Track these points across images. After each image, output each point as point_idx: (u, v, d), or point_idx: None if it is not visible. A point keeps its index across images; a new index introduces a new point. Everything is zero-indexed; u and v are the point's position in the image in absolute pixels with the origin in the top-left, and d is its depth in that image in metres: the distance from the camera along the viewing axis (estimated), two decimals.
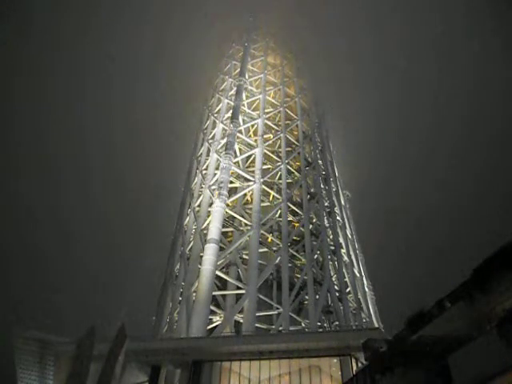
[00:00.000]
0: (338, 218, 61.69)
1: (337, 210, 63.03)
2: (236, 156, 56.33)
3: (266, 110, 65.52)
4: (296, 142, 64.51)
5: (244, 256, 50.09)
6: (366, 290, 59.93)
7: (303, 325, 46.12)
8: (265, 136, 61.67)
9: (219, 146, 59.07)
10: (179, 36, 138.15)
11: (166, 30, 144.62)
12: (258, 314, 42.30)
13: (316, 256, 53.36)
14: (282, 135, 62.17)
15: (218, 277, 44.82)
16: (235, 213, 52.80)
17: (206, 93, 78.27)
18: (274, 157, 60.31)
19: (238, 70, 70.09)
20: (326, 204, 60.87)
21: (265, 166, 57.97)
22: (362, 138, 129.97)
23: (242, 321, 42.12)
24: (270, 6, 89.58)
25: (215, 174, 54.95)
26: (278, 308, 44.75)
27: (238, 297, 44.75)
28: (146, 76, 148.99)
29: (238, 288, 45.01)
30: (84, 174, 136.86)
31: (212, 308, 42.69)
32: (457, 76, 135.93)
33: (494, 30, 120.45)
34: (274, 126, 65.05)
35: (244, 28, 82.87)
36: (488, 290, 13.65)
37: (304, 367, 29.57)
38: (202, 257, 44.04)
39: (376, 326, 51.36)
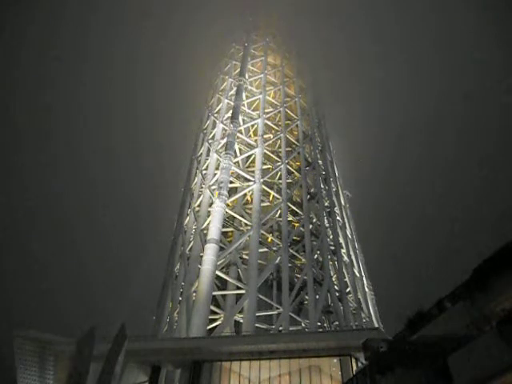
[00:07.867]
0: (338, 217, 61.67)
1: (337, 210, 63.00)
2: (236, 156, 56.32)
3: (266, 110, 65.47)
4: (296, 142, 64.49)
5: (244, 256, 50.11)
6: (366, 290, 59.91)
7: (303, 325, 46.08)
8: (265, 136, 61.64)
9: (219, 146, 59.04)
10: (179, 36, 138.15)
11: (166, 30, 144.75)
12: (257, 314, 42.27)
13: (316, 256, 53.37)
14: (281, 135, 62.15)
15: (218, 277, 44.80)
16: (235, 213, 52.80)
17: (206, 93, 78.25)
18: (274, 157, 60.28)
19: (238, 70, 70.03)
20: (326, 204, 60.84)
21: (265, 166, 57.95)
22: (362, 138, 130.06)
23: (242, 321, 42.12)
24: (270, 6, 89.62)
25: (215, 174, 54.93)
26: (278, 308, 44.71)
27: (238, 297, 44.76)
28: (146, 76, 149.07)
29: (238, 288, 45.02)
30: (83, 174, 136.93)
31: (212, 308, 42.65)
32: (458, 76, 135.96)
33: (496, 36, 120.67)
34: (274, 126, 65.02)
35: (244, 28, 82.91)
36: (488, 290, 13.61)
37: (304, 367, 29.49)
38: (202, 257, 44.01)
39: (376, 326, 51.33)
